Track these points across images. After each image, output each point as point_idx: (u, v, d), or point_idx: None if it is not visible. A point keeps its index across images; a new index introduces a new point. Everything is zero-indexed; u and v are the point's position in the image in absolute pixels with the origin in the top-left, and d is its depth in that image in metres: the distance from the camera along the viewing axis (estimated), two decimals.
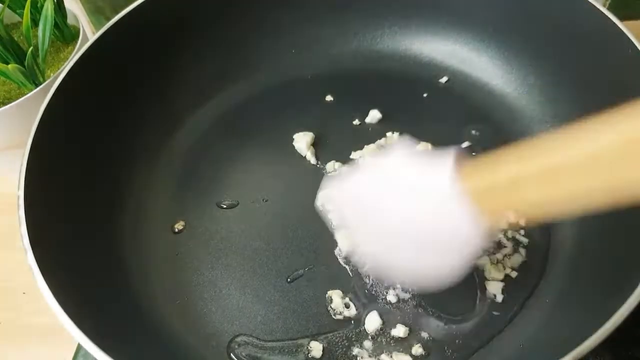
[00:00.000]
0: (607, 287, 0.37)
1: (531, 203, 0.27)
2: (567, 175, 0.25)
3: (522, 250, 0.43)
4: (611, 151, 0.24)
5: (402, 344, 0.40)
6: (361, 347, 0.40)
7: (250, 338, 0.41)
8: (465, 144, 0.50)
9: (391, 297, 0.42)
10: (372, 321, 0.41)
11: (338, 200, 0.38)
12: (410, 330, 0.40)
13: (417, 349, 0.39)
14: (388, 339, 0.40)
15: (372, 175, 0.35)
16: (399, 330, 0.40)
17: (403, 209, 0.32)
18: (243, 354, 0.41)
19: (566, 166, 0.25)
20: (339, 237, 0.45)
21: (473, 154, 0.50)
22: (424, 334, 0.40)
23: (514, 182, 0.27)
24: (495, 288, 0.41)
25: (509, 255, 0.43)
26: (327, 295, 0.42)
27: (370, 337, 0.40)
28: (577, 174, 0.25)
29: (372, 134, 0.52)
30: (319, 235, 0.46)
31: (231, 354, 0.41)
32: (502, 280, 0.42)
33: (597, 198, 0.25)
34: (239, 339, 0.41)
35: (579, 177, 0.25)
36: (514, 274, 0.42)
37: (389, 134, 0.51)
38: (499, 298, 0.41)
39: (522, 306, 0.41)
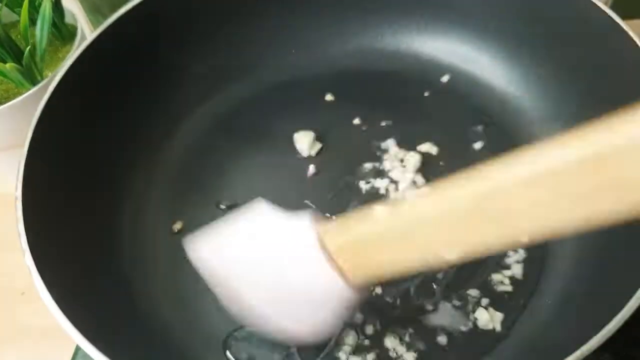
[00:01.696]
0: (609, 288, 0.37)
1: (387, 262, 0.27)
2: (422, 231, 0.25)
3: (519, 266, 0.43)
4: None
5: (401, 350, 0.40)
6: (360, 349, 0.40)
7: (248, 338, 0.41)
8: (478, 145, 0.50)
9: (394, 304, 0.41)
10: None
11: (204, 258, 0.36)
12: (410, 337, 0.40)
13: (410, 356, 0.39)
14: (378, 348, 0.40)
15: (234, 239, 0.35)
16: (388, 341, 0.40)
17: (265, 271, 0.32)
18: (241, 351, 0.41)
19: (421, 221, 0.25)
20: None
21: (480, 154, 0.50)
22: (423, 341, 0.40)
23: (370, 241, 0.27)
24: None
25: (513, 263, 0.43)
26: None
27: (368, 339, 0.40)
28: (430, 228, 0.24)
29: (372, 134, 0.52)
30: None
31: (236, 355, 0.41)
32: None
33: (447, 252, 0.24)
34: (236, 334, 0.41)
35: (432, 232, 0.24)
36: (519, 274, 0.42)
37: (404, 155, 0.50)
38: (506, 302, 0.41)
39: (524, 308, 0.41)
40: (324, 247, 0.29)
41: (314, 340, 0.34)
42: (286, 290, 0.32)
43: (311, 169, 0.50)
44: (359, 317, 0.41)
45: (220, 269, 0.35)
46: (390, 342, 0.40)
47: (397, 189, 0.48)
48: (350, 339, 0.40)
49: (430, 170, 0.49)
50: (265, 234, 0.33)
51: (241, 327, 0.41)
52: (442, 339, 0.40)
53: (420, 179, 0.48)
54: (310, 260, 0.29)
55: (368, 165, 0.50)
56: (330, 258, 0.29)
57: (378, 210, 0.27)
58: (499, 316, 0.40)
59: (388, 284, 0.43)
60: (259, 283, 0.32)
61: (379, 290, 0.42)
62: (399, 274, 0.28)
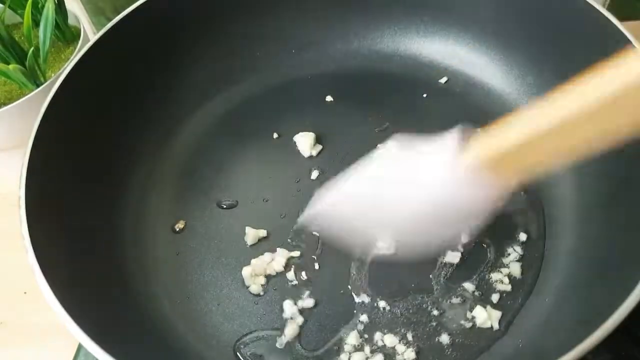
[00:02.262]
0: (606, 286, 0.37)
1: (537, 160, 0.30)
2: (568, 130, 0.28)
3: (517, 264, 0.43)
4: (603, 102, 0.26)
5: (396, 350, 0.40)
6: (362, 347, 0.40)
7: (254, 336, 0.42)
8: None
9: (393, 307, 0.42)
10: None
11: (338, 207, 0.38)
12: (409, 335, 0.40)
13: (411, 353, 0.40)
14: (379, 346, 0.40)
15: (374, 177, 0.36)
16: (388, 339, 0.40)
17: (414, 194, 0.34)
18: (248, 353, 0.41)
19: (566, 121, 0.28)
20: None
21: None
22: (422, 339, 0.40)
23: (519, 144, 0.29)
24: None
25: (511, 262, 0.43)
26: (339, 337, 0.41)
27: (368, 340, 0.41)
28: (577, 126, 0.28)
29: (372, 135, 0.52)
30: (319, 235, 0.46)
31: (237, 353, 0.41)
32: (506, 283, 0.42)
33: (597, 144, 0.28)
34: (245, 339, 0.42)
35: (579, 129, 0.28)
36: (517, 273, 0.42)
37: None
38: (504, 300, 0.41)
39: (522, 306, 0.41)
40: (467, 159, 0.31)
41: (468, 234, 0.38)
42: (433, 207, 0.33)
43: (312, 169, 0.51)
44: (361, 318, 0.41)
45: (355, 208, 0.37)
46: (391, 340, 0.40)
47: None
48: (352, 338, 0.40)
49: None
50: (403, 167, 0.34)
51: (250, 332, 0.42)
52: (441, 337, 0.40)
53: None
54: (455, 174, 0.31)
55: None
56: (474, 168, 0.31)
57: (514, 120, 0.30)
58: (497, 314, 0.40)
59: (388, 288, 0.43)
60: (402, 209, 0.34)
61: (382, 302, 0.42)
62: (536, 170, 0.31)
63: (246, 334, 0.42)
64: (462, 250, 0.44)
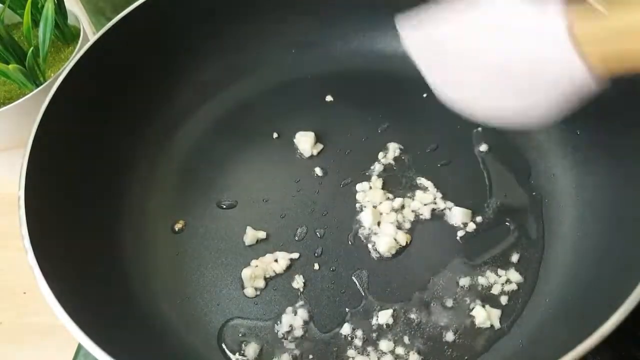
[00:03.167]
0: (606, 286, 0.37)
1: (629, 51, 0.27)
2: None
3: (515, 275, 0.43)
4: None
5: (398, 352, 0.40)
6: (363, 348, 0.40)
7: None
8: (483, 147, 0.50)
9: (385, 317, 0.41)
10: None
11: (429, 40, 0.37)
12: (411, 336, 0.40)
13: (412, 354, 0.40)
14: (380, 347, 0.40)
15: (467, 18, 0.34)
16: (389, 340, 0.40)
17: (501, 48, 0.32)
18: (247, 353, 0.41)
19: None
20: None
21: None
22: (424, 340, 0.40)
23: (625, 31, 0.27)
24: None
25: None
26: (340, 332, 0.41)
27: (368, 339, 0.41)
28: None
29: (372, 135, 0.52)
30: (319, 235, 0.46)
31: (237, 353, 0.41)
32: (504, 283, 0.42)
33: None
34: (245, 339, 0.41)
35: None
36: (517, 273, 0.42)
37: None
38: (505, 300, 0.41)
39: (523, 306, 0.41)
40: (571, 32, 0.29)
41: (536, 121, 0.33)
42: (519, 68, 0.31)
43: (312, 169, 0.51)
44: (363, 318, 0.41)
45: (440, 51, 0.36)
46: (392, 341, 0.40)
47: (398, 187, 0.48)
48: (354, 339, 0.40)
49: (430, 168, 0.49)
50: (500, 16, 0.32)
51: (249, 333, 0.42)
52: (443, 338, 0.40)
53: (421, 177, 0.49)
54: (552, 41, 0.29)
55: (369, 165, 0.50)
56: (577, 43, 0.28)
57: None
58: (496, 313, 0.40)
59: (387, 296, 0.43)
60: (488, 60, 0.32)
61: (383, 303, 0.42)
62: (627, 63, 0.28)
63: (246, 335, 0.42)
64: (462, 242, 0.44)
